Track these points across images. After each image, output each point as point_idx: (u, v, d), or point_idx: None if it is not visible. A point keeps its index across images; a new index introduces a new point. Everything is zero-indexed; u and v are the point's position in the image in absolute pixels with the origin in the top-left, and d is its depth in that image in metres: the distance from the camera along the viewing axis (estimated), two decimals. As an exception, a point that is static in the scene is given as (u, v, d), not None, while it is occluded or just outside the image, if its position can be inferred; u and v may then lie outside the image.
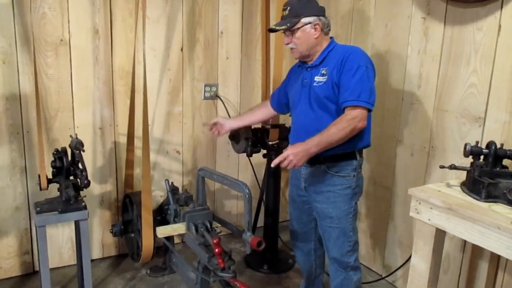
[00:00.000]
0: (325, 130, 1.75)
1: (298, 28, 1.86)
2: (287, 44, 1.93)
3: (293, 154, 1.69)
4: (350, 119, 1.74)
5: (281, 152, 2.57)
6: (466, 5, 1.98)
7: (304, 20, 1.85)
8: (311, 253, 2.18)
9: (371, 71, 1.80)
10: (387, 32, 2.42)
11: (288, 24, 1.85)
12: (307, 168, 1.96)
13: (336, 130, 1.73)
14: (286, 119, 2.64)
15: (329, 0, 2.81)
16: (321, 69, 1.87)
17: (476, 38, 1.96)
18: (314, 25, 1.86)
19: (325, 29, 1.90)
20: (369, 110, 1.78)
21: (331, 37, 1.95)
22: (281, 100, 2.20)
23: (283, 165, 1.72)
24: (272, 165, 1.76)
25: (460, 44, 2.04)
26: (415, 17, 2.25)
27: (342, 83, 1.79)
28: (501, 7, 1.85)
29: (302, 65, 2.00)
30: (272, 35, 2.67)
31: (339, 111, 1.81)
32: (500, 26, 1.86)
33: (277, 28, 1.90)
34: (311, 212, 2.05)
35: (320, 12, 1.89)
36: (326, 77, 1.84)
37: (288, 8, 1.88)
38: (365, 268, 2.68)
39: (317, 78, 1.87)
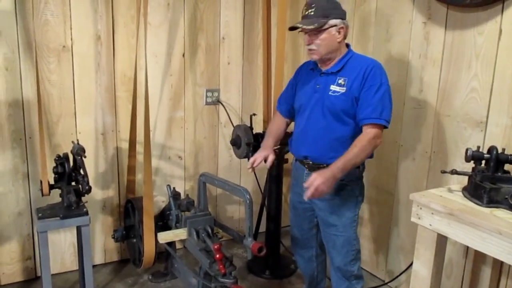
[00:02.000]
0: (348, 153, 1.71)
1: (325, 29, 1.77)
2: (309, 44, 1.81)
3: (323, 184, 1.65)
4: (371, 139, 1.73)
5: (282, 158, 2.61)
6: (467, 9, 1.98)
7: (332, 22, 1.77)
8: (312, 259, 2.16)
9: (390, 89, 1.79)
10: (388, 37, 2.42)
11: (316, 24, 1.75)
12: (311, 175, 1.92)
13: (360, 152, 1.71)
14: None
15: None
16: (338, 78, 1.82)
17: (477, 43, 1.96)
18: (339, 28, 1.79)
19: (346, 35, 1.84)
20: (386, 128, 1.78)
21: (347, 44, 1.89)
22: (290, 106, 2.07)
23: (313, 195, 1.66)
24: (305, 198, 1.70)
25: (461, 49, 2.04)
26: (416, 22, 2.25)
27: (363, 98, 1.76)
28: (502, 11, 1.85)
29: (315, 69, 1.92)
30: (273, 40, 2.68)
31: (354, 124, 1.80)
32: (501, 31, 1.86)
33: (304, 27, 1.77)
34: (313, 219, 2.04)
35: (344, 15, 1.83)
36: (344, 88, 1.79)
37: (315, 7, 1.77)
38: (368, 273, 2.66)
39: (333, 87, 1.82)
